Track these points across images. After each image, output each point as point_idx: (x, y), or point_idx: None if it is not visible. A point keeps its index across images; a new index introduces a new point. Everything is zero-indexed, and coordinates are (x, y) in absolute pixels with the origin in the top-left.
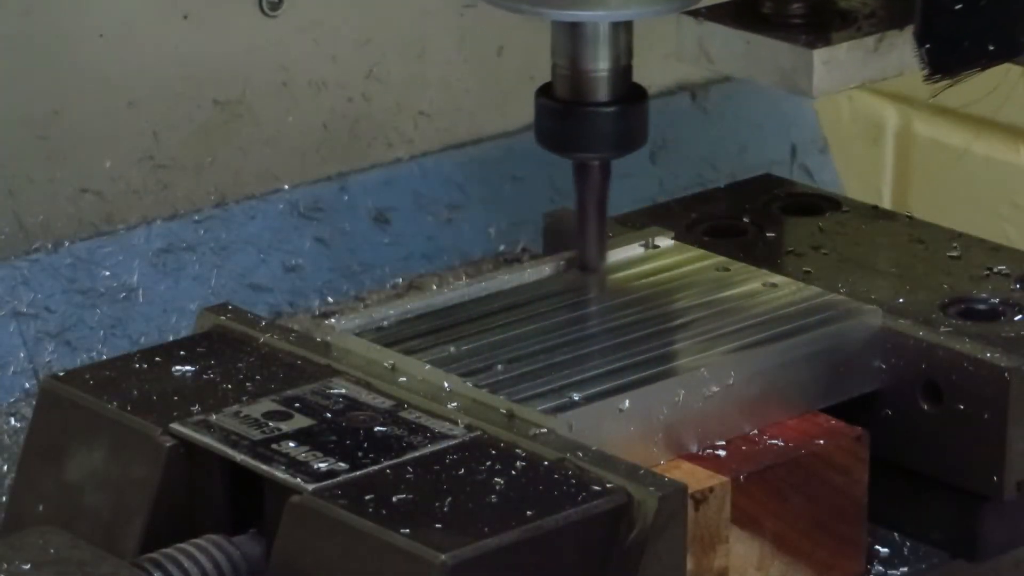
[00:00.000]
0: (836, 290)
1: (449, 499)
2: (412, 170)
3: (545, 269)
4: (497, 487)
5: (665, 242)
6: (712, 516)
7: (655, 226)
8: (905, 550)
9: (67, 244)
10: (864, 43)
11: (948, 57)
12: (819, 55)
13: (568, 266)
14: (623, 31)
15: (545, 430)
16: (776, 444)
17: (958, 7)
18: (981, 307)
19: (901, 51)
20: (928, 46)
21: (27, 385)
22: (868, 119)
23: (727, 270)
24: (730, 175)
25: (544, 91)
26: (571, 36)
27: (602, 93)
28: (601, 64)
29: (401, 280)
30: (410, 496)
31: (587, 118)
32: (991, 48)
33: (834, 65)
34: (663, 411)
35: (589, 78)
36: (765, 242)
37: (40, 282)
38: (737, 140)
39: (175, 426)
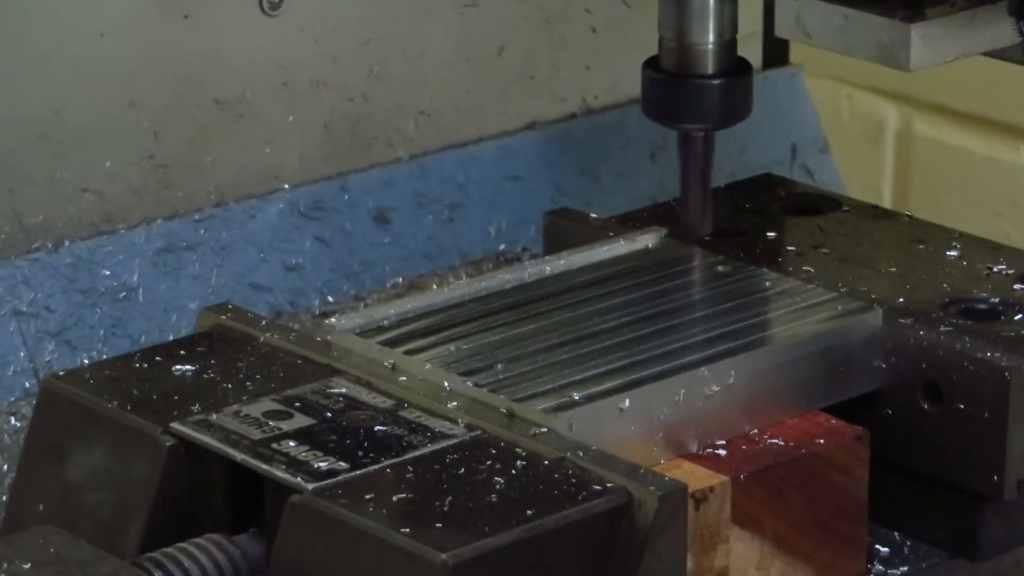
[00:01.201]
0: (836, 289)
1: (449, 498)
2: (412, 170)
3: (547, 268)
4: (497, 486)
5: (657, 239)
6: (712, 515)
7: (653, 225)
8: (905, 549)
9: (67, 243)
10: (958, 18)
11: None
12: (917, 29)
13: (569, 264)
14: (728, 5)
15: (545, 429)
16: (776, 443)
17: None
18: (981, 307)
19: (996, 26)
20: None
21: (27, 384)
22: (868, 119)
23: (727, 269)
24: (730, 175)
25: (651, 64)
26: (678, 9)
27: (708, 65)
28: (707, 37)
29: (401, 280)
30: (410, 495)
31: (693, 90)
32: None
33: (930, 40)
34: (663, 410)
35: (695, 51)
36: (765, 241)
37: (40, 281)
38: (737, 140)
39: (175, 425)
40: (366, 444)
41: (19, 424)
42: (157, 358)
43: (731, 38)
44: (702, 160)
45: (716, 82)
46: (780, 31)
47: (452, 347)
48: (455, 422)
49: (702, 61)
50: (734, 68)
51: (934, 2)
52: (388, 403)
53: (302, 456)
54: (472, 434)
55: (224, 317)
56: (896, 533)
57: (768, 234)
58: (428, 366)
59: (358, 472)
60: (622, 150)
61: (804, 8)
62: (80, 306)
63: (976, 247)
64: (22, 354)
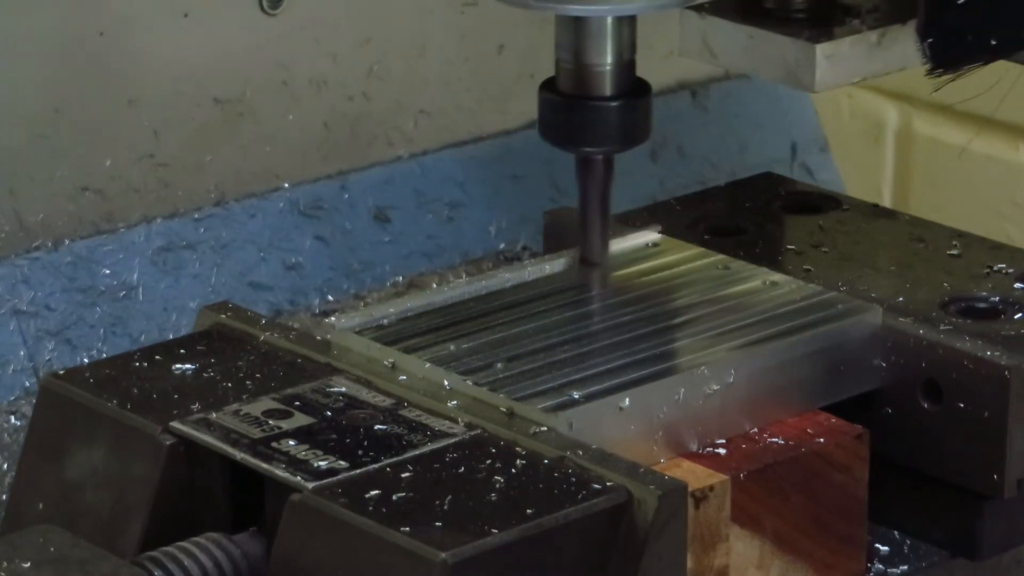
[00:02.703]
0: (836, 288)
1: (449, 497)
2: (412, 168)
3: (546, 267)
4: (497, 485)
5: (653, 237)
6: (712, 515)
7: (652, 224)
8: (905, 548)
9: (67, 242)
10: (866, 38)
11: (950, 51)
12: (822, 50)
13: (570, 263)
14: (626, 26)
15: (545, 428)
16: (776, 442)
17: (960, 1)
18: (981, 305)
19: (904, 46)
20: (930, 40)
21: (27, 383)
22: (868, 117)
23: (727, 268)
24: (730, 174)
25: (548, 85)
26: (575, 30)
27: (606, 87)
28: (605, 58)
29: (401, 278)
30: (410, 494)
31: (591, 112)
32: (993, 43)
33: (837, 60)
34: (663, 409)
35: (593, 72)
36: (765, 240)
37: (40, 280)
38: (737, 139)
39: (175, 424)
40: (366, 443)
41: (19, 423)
42: (157, 357)
43: (630, 59)
44: (601, 184)
45: (614, 104)
46: (685, 51)
47: (452, 346)
48: (455, 421)
49: (600, 83)
50: (633, 89)
51: (842, 21)
52: (388, 402)
53: (302, 455)
54: (472, 433)
55: (224, 316)
56: (896, 532)
57: (768, 233)
58: (428, 365)
59: (358, 471)
60: None
61: (710, 27)
62: (80, 305)
63: (976, 246)
64: (22, 353)
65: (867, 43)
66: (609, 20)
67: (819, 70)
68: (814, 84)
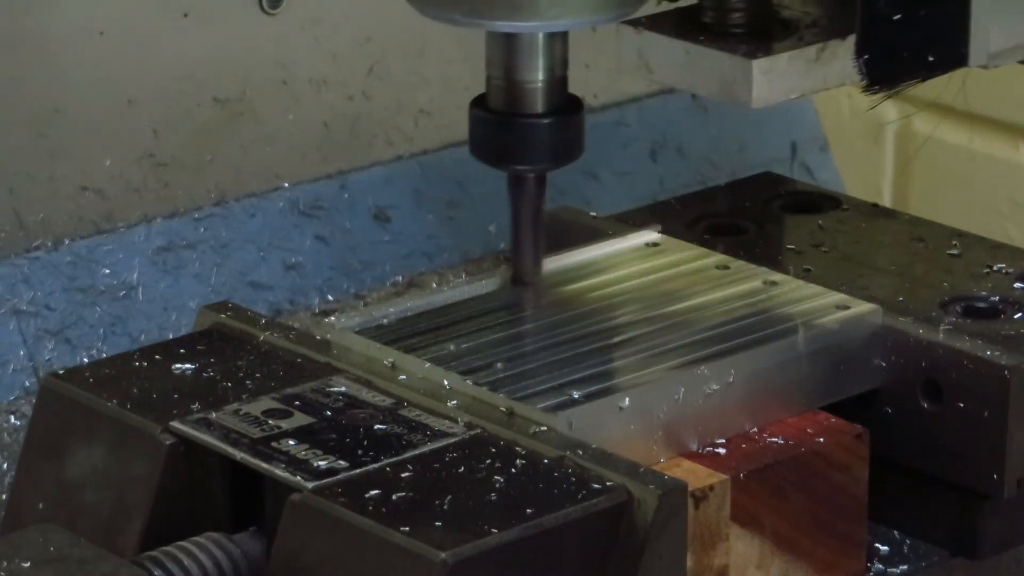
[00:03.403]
0: (836, 288)
1: (449, 497)
2: (412, 168)
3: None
4: (497, 485)
5: (653, 237)
6: (712, 514)
7: (652, 224)
8: (905, 548)
9: (67, 242)
10: (805, 53)
11: (886, 68)
12: (759, 65)
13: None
14: (558, 42)
15: (545, 428)
16: (776, 442)
17: (896, 17)
18: (981, 305)
19: (843, 61)
20: (866, 57)
21: (27, 383)
22: (868, 117)
23: (727, 268)
24: (730, 173)
25: (478, 102)
26: (506, 47)
27: (537, 104)
28: (536, 74)
29: (401, 278)
30: (410, 494)
31: (522, 129)
32: (931, 59)
33: (775, 75)
34: (663, 409)
35: (524, 89)
36: (765, 240)
37: (40, 280)
38: (737, 138)
39: (175, 424)
40: (366, 443)
41: (19, 423)
42: (157, 357)
43: (562, 75)
44: (534, 202)
45: (546, 121)
46: (622, 66)
47: (452, 346)
48: (455, 421)
49: (531, 99)
50: (565, 106)
51: (781, 36)
52: (388, 402)
53: (302, 455)
54: (472, 433)
55: (224, 316)
56: (896, 531)
57: (768, 232)
58: (428, 365)
59: (358, 471)
60: (622, 149)
61: (646, 43)
62: (80, 304)
63: (976, 246)
64: (22, 352)
65: (806, 58)
66: (541, 36)
67: (756, 86)
68: (751, 100)
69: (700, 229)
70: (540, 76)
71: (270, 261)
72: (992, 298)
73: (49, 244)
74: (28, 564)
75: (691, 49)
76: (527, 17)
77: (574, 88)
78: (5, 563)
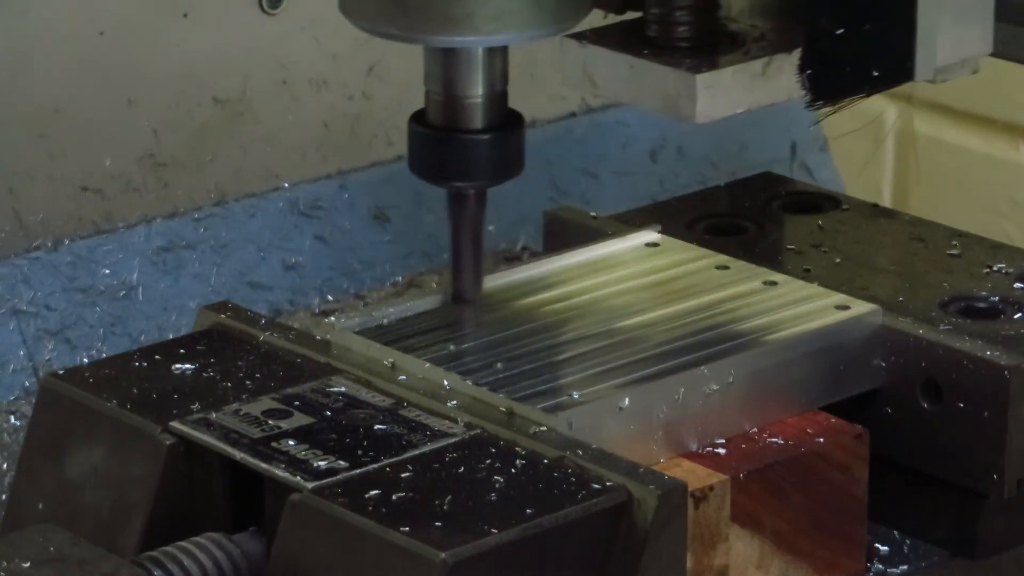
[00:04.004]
0: (836, 288)
1: (449, 497)
2: None
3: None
4: (497, 485)
5: (653, 237)
6: (712, 514)
7: (652, 224)
8: (905, 548)
9: (67, 242)
10: (751, 67)
11: (830, 83)
12: (703, 80)
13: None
14: (498, 56)
15: (545, 428)
16: (776, 442)
17: (840, 32)
18: (981, 305)
19: (790, 75)
20: (809, 72)
21: (27, 383)
22: (868, 117)
23: (727, 268)
24: (730, 173)
25: (417, 118)
26: (444, 61)
27: (477, 120)
28: (476, 89)
29: (401, 278)
30: (410, 494)
31: (461, 145)
32: (876, 74)
33: (719, 90)
34: (663, 409)
35: (463, 104)
36: (765, 240)
37: (40, 280)
38: (737, 138)
39: (175, 424)
40: (365, 443)
41: (19, 423)
42: (157, 357)
43: (502, 90)
44: (473, 219)
45: (486, 137)
46: (566, 81)
47: (452, 346)
48: (455, 421)
49: (471, 115)
50: (505, 121)
51: (727, 50)
52: (387, 402)
53: (302, 455)
54: (472, 433)
55: (224, 316)
56: (896, 532)
57: (768, 232)
58: (427, 365)
59: (357, 471)
60: (622, 149)
61: (590, 56)
62: (80, 305)
63: (976, 246)
64: (22, 353)
65: (751, 73)
66: (480, 51)
67: (700, 101)
68: (695, 115)
69: (700, 229)
70: (479, 91)
71: (270, 261)
72: (992, 298)
73: (49, 244)
74: (28, 564)
75: (635, 63)
76: (464, 32)
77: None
78: (5, 563)
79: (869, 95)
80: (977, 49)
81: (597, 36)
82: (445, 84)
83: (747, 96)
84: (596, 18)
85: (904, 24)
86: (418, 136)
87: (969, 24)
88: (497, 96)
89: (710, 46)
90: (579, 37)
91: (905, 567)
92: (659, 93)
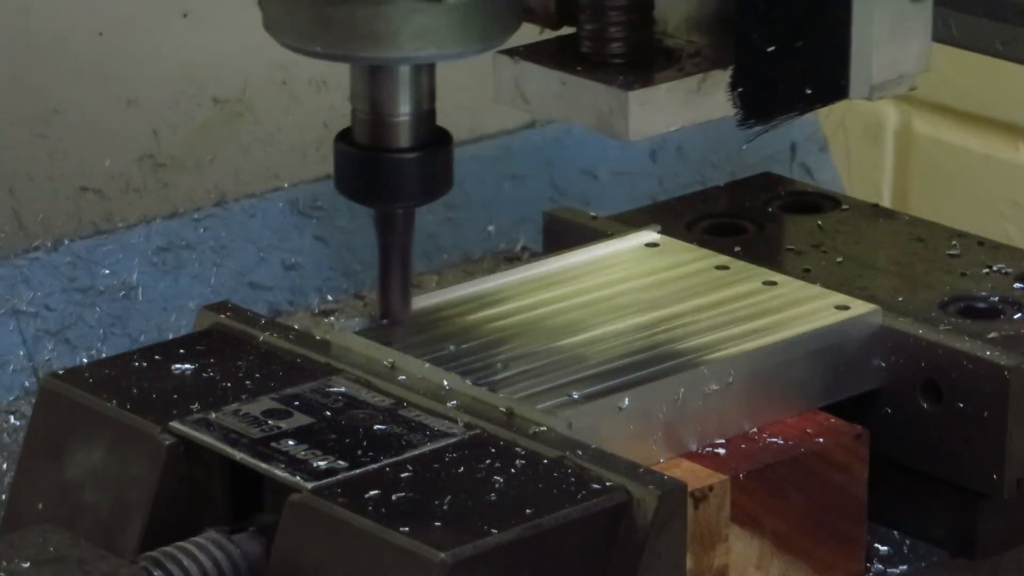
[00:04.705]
0: (836, 288)
1: (448, 497)
2: None
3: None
4: (496, 485)
5: (653, 238)
6: (712, 514)
7: (652, 224)
8: (905, 548)
9: (67, 242)
10: (686, 83)
11: (762, 101)
12: (635, 97)
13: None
14: (425, 74)
15: (544, 428)
16: (776, 442)
17: (771, 50)
18: (981, 305)
19: (727, 91)
20: (741, 90)
21: (27, 383)
22: (868, 117)
23: (727, 268)
24: (730, 173)
25: (344, 136)
26: (370, 79)
27: (404, 139)
28: (402, 108)
29: None
30: (409, 494)
31: (388, 165)
32: (809, 92)
33: (652, 107)
34: (663, 409)
35: (390, 123)
36: (765, 240)
37: (40, 280)
38: (737, 138)
39: (174, 424)
40: (365, 443)
41: (18, 423)
42: (156, 357)
43: (429, 108)
44: (401, 239)
45: (412, 156)
46: (499, 97)
47: (451, 346)
48: (454, 421)
49: (397, 134)
50: (433, 140)
51: (662, 66)
52: (387, 402)
53: (301, 455)
54: (471, 433)
55: (223, 316)
56: (896, 532)
57: (768, 233)
58: (427, 365)
59: (357, 471)
60: (621, 149)
61: (523, 73)
62: (79, 305)
63: (975, 246)
64: (21, 353)
65: (685, 89)
66: (405, 69)
67: (632, 118)
68: (628, 133)
69: (700, 229)
70: (406, 110)
71: (270, 261)
72: (992, 298)
73: (49, 244)
74: (28, 564)
75: (567, 80)
76: (388, 50)
77: None
78: (5, 563)
79: (802, 113)
80: (914, 66)
81: (530, 52)
82: (371, 103)
83: (682, 113)
84: (532, 33)
85: (838, 42)
86: (344, 155)
87: (906, 41)
88: (425, 114)
89: (644, 62)
90: (512, 53)
91: (905, 567)
92: (592, 110)
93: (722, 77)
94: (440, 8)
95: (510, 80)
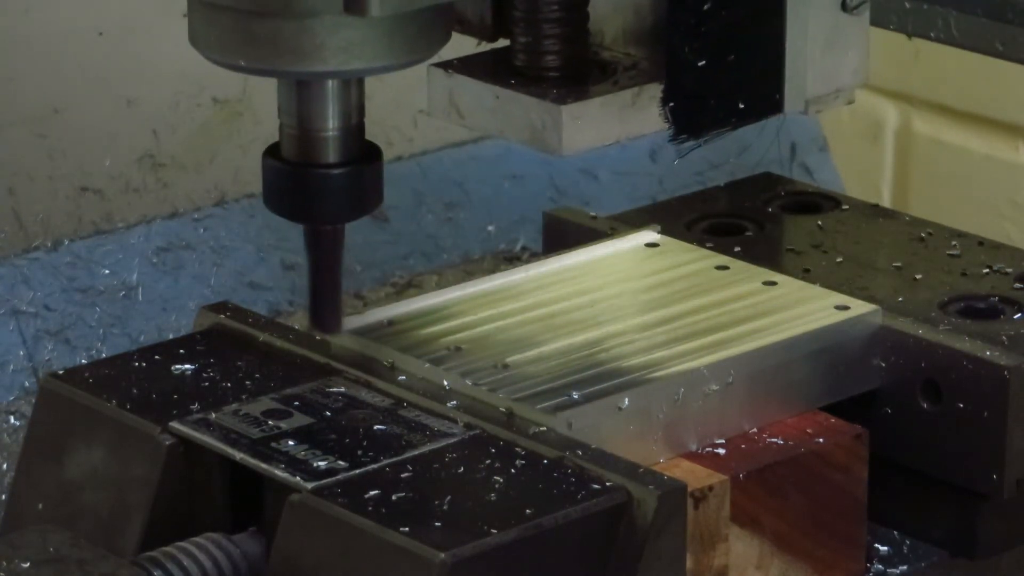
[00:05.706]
0: (836, 288)
1: (448, 497)
2: (412, 168)
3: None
4: (496, 485)
5: (653, 238)
6: (712, 515)
7: (652, 224)
8: (905, 548)
9: (67, 242)
10: (620, 97)
11: (694, 116)
12: (569, 111)
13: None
14: (353, 88)
15: (544, 428)
16: (776, 442)
17: (702, 64)
18: (981, 305)
19: (659, 106)
20: (672, 105)
21: (26, 383)
22: (868, 117)
23: (727, 269)
24: (730, 173)
25: (272, 152)
26: (297, 93)
27: (331, 153)
28: (330, 122)
29: (400, 278)
30: (409, 494)
31: (316, 180)
32: (742, 106)
33: (586, 121)
34: (663, 409)
35: (317, 138)
36: (765, 240)
37: (40, 280)
38: (737, 139)
39: (174, 424)
40: (365, 443)
41: (18, 423)
42: (156, 357)
43: (358, 122)
44: (331, 254)
45: (340, 171)
46: (433, 110)
47: (452, 346)
48: (454, 421)
49: (324, 149)
50: (361, 155)
51: (597, 80)
52: (387, 402)
53: (301, 455)
54: (471, 433)
55: (223, 316)
56: (895, 532)
57: (768, 233)
58: (427, 365)
59: (357, 471)
60: (621, 149)
61: (457, 86)
62: (79, 305)
63: (975, 246)
64: (21, 353)
65: (620, 103)
66: (332, 83)
67: (566, 132)
68: (561, 147)
69: (700, 229)
70: (333, 124)
71: (269, 261)
72: (992, 298)
73: (49, 244)
74: (28, 564)
75: (501, 93)
76: (314, 64)
77: None
78: (5, 563)
79: (735, 128)
80: (851, 79)
81: (464, 65)
82: (298, 117)
83: (616, 127)
84: (469, 46)
85: (771, 55)
86: (272, 170)
87: (842, 54)
88: (353, 129)
89: (579, 76)
90: (445, 66)
91: (905, 567)
92: (525, 124)
93: (658, 91)
94: (366, 22)
95: (444, 93)
